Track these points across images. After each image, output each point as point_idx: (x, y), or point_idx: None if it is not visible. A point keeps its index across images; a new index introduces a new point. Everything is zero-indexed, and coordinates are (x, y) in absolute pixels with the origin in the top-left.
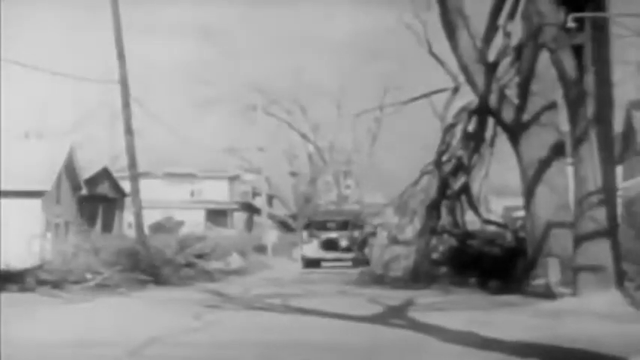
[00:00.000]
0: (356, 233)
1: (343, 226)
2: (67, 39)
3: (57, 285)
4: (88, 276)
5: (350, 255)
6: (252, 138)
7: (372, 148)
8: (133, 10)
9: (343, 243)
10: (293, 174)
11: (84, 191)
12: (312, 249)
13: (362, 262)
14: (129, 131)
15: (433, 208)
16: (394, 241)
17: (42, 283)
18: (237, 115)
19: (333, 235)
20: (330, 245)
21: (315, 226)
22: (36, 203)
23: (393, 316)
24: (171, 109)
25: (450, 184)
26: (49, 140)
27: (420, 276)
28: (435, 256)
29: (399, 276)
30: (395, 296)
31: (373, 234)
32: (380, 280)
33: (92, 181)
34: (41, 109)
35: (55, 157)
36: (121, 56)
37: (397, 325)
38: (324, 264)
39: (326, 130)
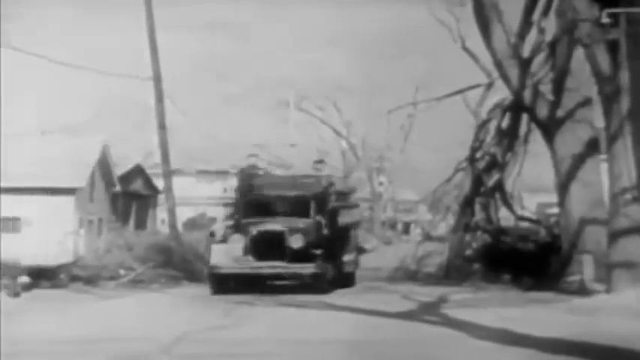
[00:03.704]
0: (321, 220)
1: (300, 208)
2: (98, 36)
3: (90, 281)
4: (122, 272)
5: (309, 267)
6: (283, 134)
7: (405, 144)
8: (164, 7)
9: (295, 242)
10: (330, 175)
11: (117, 188)
12: (228, 254)
13: (333, 281)
14: (162, 127)
15: (467, 205)
16: (427, 237)
17: (75, 279)
18: (268, 111)
19: (274, 226)
20: (267, 247)
21: (244, 207)
22: (69, 200)
23: (427, 312)
24: (202, 106)
25: (484, 180)
26: (81, 137)
27: (453, 273)
28: (468, 252)
29: (432, 272)
30: (428, 293)
31: (355, 225)
32: (413, 277)
33: (126, 178)
34: (74, 106)
35: (88, 154)
36: (154, 52)
37: (431, 322)
38: (252, 283)
39: (358, 127)
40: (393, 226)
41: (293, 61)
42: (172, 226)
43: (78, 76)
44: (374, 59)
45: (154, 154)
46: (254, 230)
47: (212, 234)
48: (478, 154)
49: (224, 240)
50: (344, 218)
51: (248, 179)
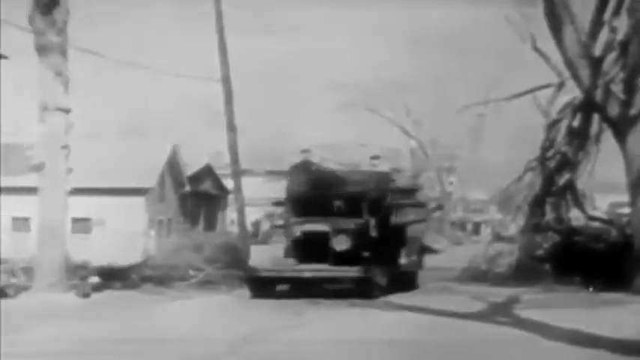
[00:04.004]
0: (369, 220)
1: (351, 207)
2: (168, 37)
3: (161, 282)
4: (191, 273)
5: (353, 270)
6: (353, 135)
7: (475, 144)
8: (233, 8)
9: (339, 244)
10: (395, 170)
11: (187, 188)
12: (268, 256)
13: (390, 284)
14: (231, 128)
15: (537, 205)
16: (497, 237)
17: (146, 279)
18: (338, 111)
19: (318, 226)
20: (311, 249)
21: (292, 206)
22: (139, 201)
23: (498, 313)
24: (271, 107)
25: (555, 180)
26: (152, 138)
27: (523, 273)
28: (538, 252)
29: (502, 273)
30: (499, 293)
31: (417, 224)
32: (483, 277)
33: (195, 179)
34: (143, 107)
35: (158, 154)
36: (223, 54)
37: (502, 323)
38: (294, 287)
39: (428, 126)
40: (463, 226)
41: (363, 61)
42: (241, 226)
43: (149, 77)
44: (444, 59)
45: (223, 154)
46: (297, 231)
47: (254, 234)
48: (549, 154)
49: (265, 241)
50: (405, 217)
51: (298, 176)
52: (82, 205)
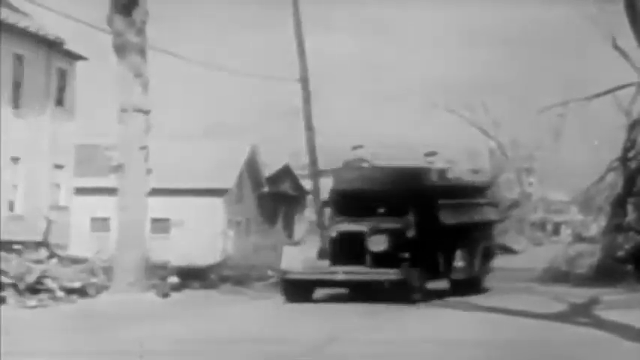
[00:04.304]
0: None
1: (397, 205)
2: (246, 37)
3: (239, 282)
4: (270, 273)
5: (390, 273)
6: (432, 135)
7: (555, 144)
8: (312, 7)
9: (376, 245)
10: (474, 171)
11: (265, 189)
12: (301, 258)
13: (421, 291)
14: (309, 129)
15: (619, 205)
16: (578, 238)
17: (225, 280)
18: (417, 111)
19: (356, 226)
20: (347, 250)
21: (334, 205)
22: (218, 201)
23: (579, 314)
24: (350, 107)
25: (637, 180)
26: (230, 138)
27: (605, 274)
28: (620, 253)
29: (583, 274)
30: (580, 294)
31: (489, 222)
32: (564, 278)
33: (274, 179)
34: (223, 107)
35: (237, 155)
36: (301, 53)
37: (583, 324)
38: (322, 291)
39: (507, 127)
40: (542, 226)
41: (442, 61)
42: (320, 227)
43: (228, 78)
44: (522, 58)
45: (301, 154)
46: (333, 231)
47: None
48: (630, 154)
49: (300, 242)
50: (470, 216)
51: (342, 175)
52: (161, 206)
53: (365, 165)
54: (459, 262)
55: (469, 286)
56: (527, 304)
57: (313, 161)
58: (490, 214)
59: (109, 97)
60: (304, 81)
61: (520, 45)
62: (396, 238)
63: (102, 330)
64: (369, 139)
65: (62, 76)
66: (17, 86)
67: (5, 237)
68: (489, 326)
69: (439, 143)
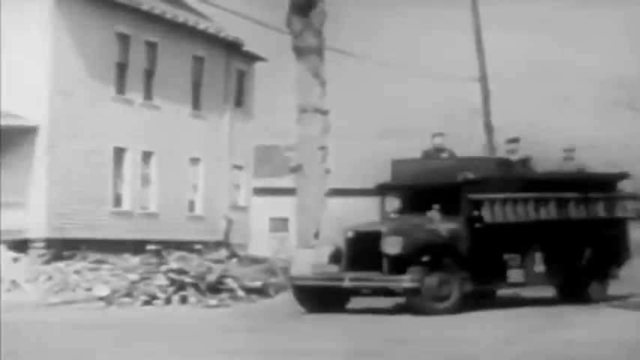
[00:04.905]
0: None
1: (449, 201)
2: (425, 37)
3: None
4: None
5: (402, 280)
6: (614, 135)
7: None
8: (490, 6)
9: (391, 247)
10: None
11: None
12: (312, 262)
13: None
14: (488, 128)
15: None
16: None
17: None
18: (596, 111)
19: (373, 226)
20: (362, 253)
21: (381, 201)
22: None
23: None
24: (528, 106)
25: None
26: (409, 138)
27: None
28: None
29: None
30: None
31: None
32: None
33: None
34: (401, 107)
35: (415, 154)
36: (480, 53)
37: None
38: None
39: None
40: None
41: (622, 58)
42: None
43: (406, 78)
44: None
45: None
46: (349, 231)
47: (316, 235)
48: None
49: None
50: (563, 212)
51: (399, 166)
52: (339, 206)
53: (444, 155)
54: (538, 267)
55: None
56: None
57: None
58: (617, 210)
59: (288, 97)
60: (483, 80)
61: None
62: (415, 240)
63: (287, 330)
64: (549, 140)
65: (241, 77)
66: (197, 87)
67: (186, 237)
68: None
69: (625, 142)
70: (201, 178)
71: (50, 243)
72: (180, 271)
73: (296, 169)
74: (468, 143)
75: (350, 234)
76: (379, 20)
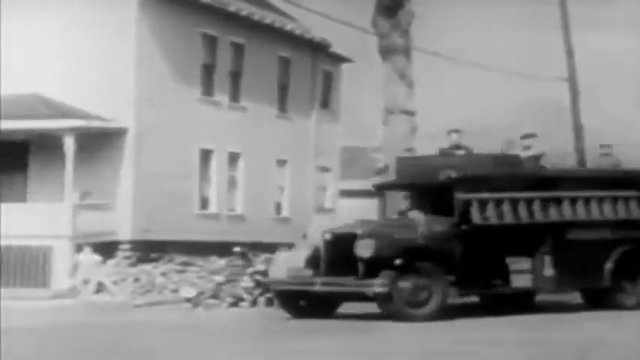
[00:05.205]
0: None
1: (447, 201)
2: (511, 37)
3: None
4: None
5: (373, 284)
6: None
7: None
8: (581, 8)
9: (364, 250)
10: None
11: None
12: (288, 265)
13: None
14: (578, 129)
15: None
16: None
17: None
18: None
19: (345, 229)
20: (339, 256)
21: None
22: None
23: None
24: (622, 107)
25: None
26: (495, 138)
27: None
28: None
29: None
30: None
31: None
32: None
33: None
34: (489, 107)
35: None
36: (569, 53)
37: None
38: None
39: None
40: None
41: None
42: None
43: (494, 77)
44: None
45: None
46: (327, 234)
47: (304, 236)
48: None
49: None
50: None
51: (405, 164)
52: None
53: (460, 152)
54: (548, 270)
55: (516, 300)
56: None
57: (581, 161)
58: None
59: (374, 99)
60: (572, 80)
61: None
62: (390, 242)
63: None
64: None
65: (327, 78)
66: (283, 89)
67: (272, 239)
68: None
69: None
70: (288, 180)
71: (137, 245)
72: (267, 274)
73: (382, 171)
74: (559, 144)
75: (327, 236)
76: (467, 19)
